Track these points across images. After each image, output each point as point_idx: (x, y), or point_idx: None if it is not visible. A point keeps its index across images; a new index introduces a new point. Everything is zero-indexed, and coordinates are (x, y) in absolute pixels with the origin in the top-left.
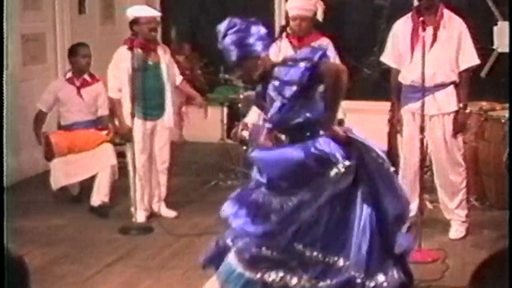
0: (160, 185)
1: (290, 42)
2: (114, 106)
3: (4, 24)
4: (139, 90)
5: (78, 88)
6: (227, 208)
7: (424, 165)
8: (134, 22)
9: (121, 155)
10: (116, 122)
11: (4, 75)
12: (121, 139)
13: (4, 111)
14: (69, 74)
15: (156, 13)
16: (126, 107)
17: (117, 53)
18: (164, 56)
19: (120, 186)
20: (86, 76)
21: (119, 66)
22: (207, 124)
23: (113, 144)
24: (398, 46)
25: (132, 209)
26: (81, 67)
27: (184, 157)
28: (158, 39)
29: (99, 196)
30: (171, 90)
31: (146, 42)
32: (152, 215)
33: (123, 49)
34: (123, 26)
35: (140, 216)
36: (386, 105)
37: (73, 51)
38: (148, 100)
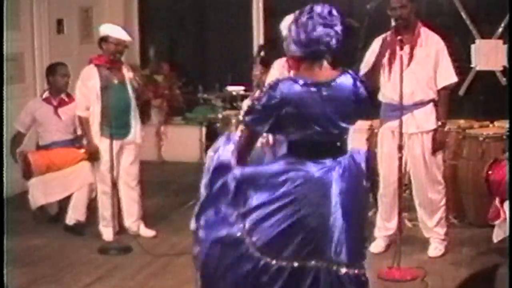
0: (135, 202)
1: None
2: (82, 125)
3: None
4: (106, 109)
5: (56, 108)
6: None
7: (403, 184)
8: (104, 39)
9: None
10: (84, 141)
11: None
12: (89, 158)
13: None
14: (46, 94)
15: (127, 37)
16: (94, 126)
17: (84, 72)
18: (127, 74)
19: None
20: (63, 96)
21: (87, 85)
22: (186, 143)
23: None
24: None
25: (100, 227)
26: (59, 87)
27: (163, 177)
28: (122, 59)
29: (75, 214)
30: (136, 107)
31: (111, 60)
32: (121, 231)
33: (90, 67)
34: None
35: (107, 234)
36: (365, 123)
37: (51, 70)
38: (114, 119)
